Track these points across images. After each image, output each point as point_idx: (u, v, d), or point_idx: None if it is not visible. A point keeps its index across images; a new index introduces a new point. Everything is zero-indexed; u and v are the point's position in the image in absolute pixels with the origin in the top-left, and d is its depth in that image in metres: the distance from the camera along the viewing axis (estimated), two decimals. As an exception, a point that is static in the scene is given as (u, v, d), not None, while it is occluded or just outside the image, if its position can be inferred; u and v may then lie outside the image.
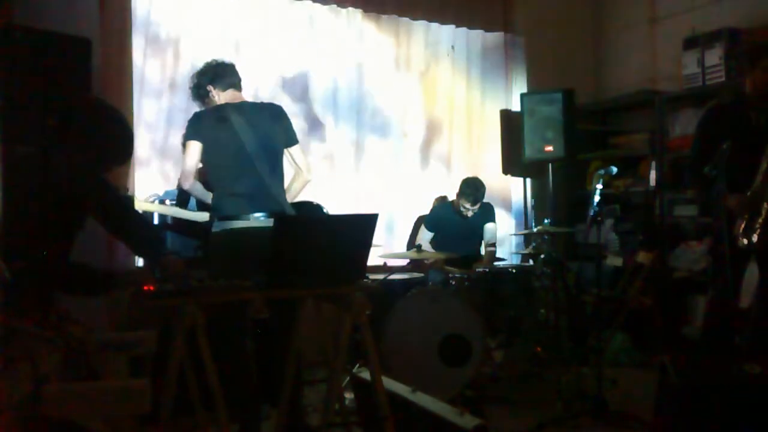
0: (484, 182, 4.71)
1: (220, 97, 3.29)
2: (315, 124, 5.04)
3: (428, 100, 5.49)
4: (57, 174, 2.30)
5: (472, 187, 4.59)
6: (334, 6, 5.03)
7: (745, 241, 3.23)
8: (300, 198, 3.47)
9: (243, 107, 3.26)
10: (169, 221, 3.85)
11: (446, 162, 5.54)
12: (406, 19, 5.35)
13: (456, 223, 4.74)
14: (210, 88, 3.29)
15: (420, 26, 5.45)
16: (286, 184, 3.31)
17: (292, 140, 3.32)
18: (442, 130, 5.53)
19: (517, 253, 5.44)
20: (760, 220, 3.20)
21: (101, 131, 2.35)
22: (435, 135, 5.51)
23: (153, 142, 4.47)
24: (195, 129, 3.19)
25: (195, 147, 3.16)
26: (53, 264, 2.29)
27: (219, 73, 3.30)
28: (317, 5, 4.98)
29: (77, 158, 2.30)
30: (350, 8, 5.09)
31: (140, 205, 3.67)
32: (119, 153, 2.47)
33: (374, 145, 5.26)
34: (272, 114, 3.31)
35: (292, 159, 3.33)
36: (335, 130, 5.09)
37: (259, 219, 3.12)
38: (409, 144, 5.40)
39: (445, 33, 5.57)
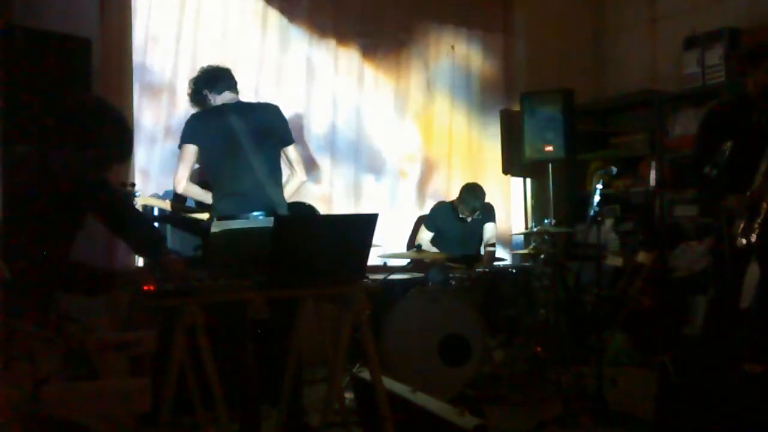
0: (484, 181, 4.71)
1: (217, 100, 3.33)
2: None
3: (428, 100, 5.49)
4: (56, 173, 2.30)
5: (472, 196, 4.59)
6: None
7: (744, 241, 3.22)
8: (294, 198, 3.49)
9: (239, 107, 3.28)
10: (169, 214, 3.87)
11: (446, 163, 5.54)
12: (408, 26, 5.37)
13: (455, 224, 4.74)
14: (206, 92, 3.33)
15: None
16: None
17: (288, 139, 3.34)
18: (442, 132, 5.53)
19: (517, 253, 5.44)
20: (759, 220, 3.20)
21: (100, 130, 2.34)
22: (434, 136, 5.51)
23: (153, 142, 4.47)
24: (191, 131, 3.21)
25: (190, 151, 3.19)
26: (53, 263, 2.29)
27: (214, 78, 3.35)
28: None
29: (76, 157, 2.30)
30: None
31: (141, 200, 3.68)
32: (119, 151, 2.47)
33: (372, 152, 5.25)
34: (268, 113, 3.34)
35: (287, 158, 3.35)
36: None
37: (257, 218, 3.13)
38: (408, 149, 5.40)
39: (445, 33, 5.58)
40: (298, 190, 3.46)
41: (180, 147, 3.23)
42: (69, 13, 3.79)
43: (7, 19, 3.28)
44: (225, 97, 3.32)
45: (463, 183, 4.83)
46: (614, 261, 5.13)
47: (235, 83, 3.38)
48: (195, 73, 3.44)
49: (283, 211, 3.23)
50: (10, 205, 1.88)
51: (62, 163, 2.30)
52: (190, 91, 3.39)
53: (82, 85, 3.48)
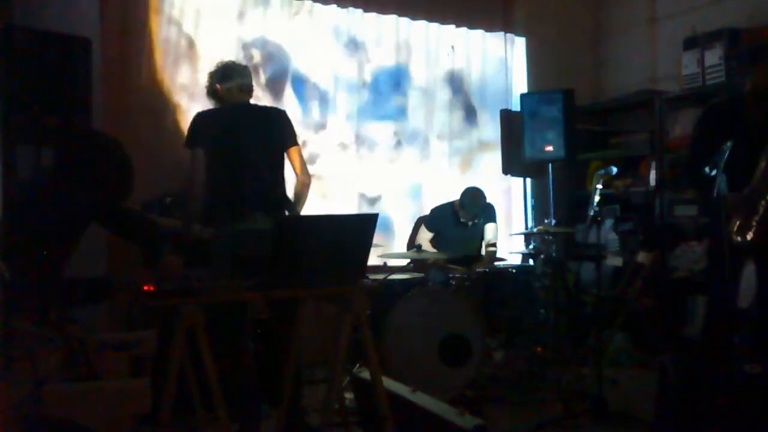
0: (485, 181, 4.71)
1: (227, 97, 3.32)
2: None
3: (429, 101, 5.49)
4: (58, 208, 2.34)
5: (472, 202, 4.59)
6: (334, 6, 5.03)
7: (739, 239, 3.22)
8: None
9: (244, 109, 3.29)
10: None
11: (446, 162, 5.53)
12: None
13: (456, 226, 4.75)
14: (218, 87, 3.34)
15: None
16: (290, 193, 3.32)
17: (291, 141, 3.33)
18: (441, 131, 5.53)
19: (517, 253, 5.44)
20: (756, 218, 3.20)
21: (105, 171, 2.40)
22: (434, 135, 5.50)
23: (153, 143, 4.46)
24: (196, 134, 3.21)
25: (199, 154, 3.20)
26: (53, 271, 2.30)
27: (228, 74, 3.35)
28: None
29: (78, 196, 2.34)
30: (350, 8, 5.10)
31: None
32: (120, 192, 2.51)
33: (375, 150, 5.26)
34: (273, 116, 3.35)
35: (291, 162, 3.33)
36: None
37: (258, 219, 3.12)
38: (410, 142, 5.40)
39: (445, 33, 5.57)
40: (307, 195, 3.39)
41: (187, 147, 3.24)
42: (69, 13, 3.78)
43: (7, 19, 3.28)
44: (235, 96, 3.32)
45: (463, 183, 4.81)
46: (614, 261, 5.13)
47: (249, 82, 3.38)
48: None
49: (291, 210, 3.23)
50: (10, 208, 1.89)
51: (64, 200, 2.32)
52: (206, 84, 3.42)
53: (82, 85, 3.47)
